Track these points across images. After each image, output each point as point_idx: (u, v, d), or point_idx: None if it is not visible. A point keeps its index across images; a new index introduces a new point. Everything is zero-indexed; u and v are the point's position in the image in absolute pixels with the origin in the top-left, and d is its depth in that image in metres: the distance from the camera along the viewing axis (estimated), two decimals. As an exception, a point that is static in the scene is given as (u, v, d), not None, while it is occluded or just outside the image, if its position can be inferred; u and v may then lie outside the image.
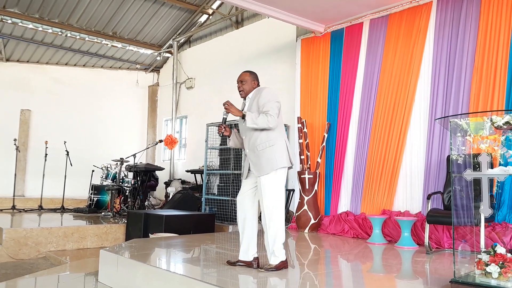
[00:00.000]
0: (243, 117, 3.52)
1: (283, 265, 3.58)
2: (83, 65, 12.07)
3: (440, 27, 5.81)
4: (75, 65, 11.97)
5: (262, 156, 3.54)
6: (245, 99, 3.79)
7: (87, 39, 10.76)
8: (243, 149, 3.88)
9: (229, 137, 3.83)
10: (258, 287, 3.30)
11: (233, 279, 3.42)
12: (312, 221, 6.47)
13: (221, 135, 3.75)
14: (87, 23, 10.44)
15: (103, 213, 8.32)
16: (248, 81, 3.74)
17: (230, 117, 3.89)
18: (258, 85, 3.80)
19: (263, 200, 3.54)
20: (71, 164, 9.21)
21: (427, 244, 4.85)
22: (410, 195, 5.85)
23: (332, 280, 3.59)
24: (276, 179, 3.55)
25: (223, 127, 3.71)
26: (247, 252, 3.75)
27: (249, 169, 3.72)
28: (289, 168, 3.68)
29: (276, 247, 3.54)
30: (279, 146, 3.57)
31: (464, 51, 5.49)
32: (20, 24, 9.82)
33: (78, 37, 10.64)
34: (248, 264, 3.73)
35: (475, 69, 5.34)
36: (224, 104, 3.61)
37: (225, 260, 3.99)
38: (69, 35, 10.46)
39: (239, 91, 3.78)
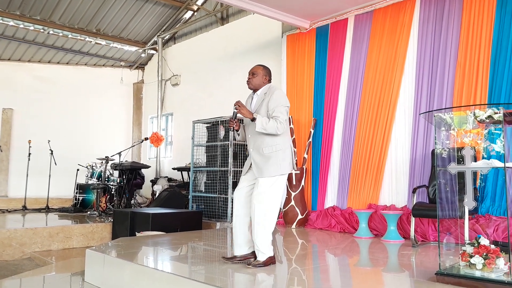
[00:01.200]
0: (253, 119, 3.52)
1: (270, 261, 3.60)
2: (67, 63, 11.90)
3: (423, 23, 5.87)
4: (58, 62, 11.79)
5: (267, 159, 3.54)
6: (253, 92, 3.77)
7: (70, 36, 10.60)
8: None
9: (237, 131, 3.78)
10: (246, 283, 3.30)
11: (221, 276, 3.41)
12: (299, 217, 6.50)
13: (232, 129, 3.70)
14: (70, 20, 10.29)
15: (88, 212, 8.23)
16: (259, 75, 3.71)
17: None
18: (269, 81, 3.78)
19: (258, 198, 3.50)
20: (55, 163, 9.09)
21: (413, 237, 4.91)
22: (395, 189, 5.91)
23: (320, 274, 3.61)
24: (277, 183, 3.56)
25: (234, 122, 3.65)
26: (241, 246, 3.70)
27: (249, 166, 3.70)
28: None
29: (264, 245, 3.55)
30: (285, 151, 3.58)
31: (448, 46, 5.55)
32: (0, 21, 9.63)
33: (61, 34, 10.48)
34: (245, 258, 3.69)
35: (458, 65, 5.40)
36: (235, 105, 3.57)
37: (212, 257, 3.98)
38: (51, 32, 10.30)
39: (247, 82, 3.75)
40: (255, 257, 3.66)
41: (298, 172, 6.66)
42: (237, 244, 3.71)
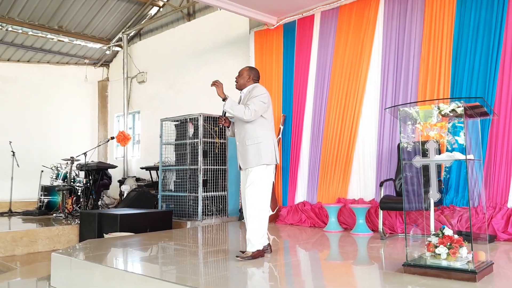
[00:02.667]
0: (224, 99, 3.77)
1: (259, 254, 3.76)
2: (27, 61, 11.48)
3: (388, 19, 5.98)
4: (18, 60, 11.34)
5: (249, 150, 3.79)
6: (240, 92, 4.04)
7: (30, 33, 10.23)
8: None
9: (228, 127, 4.06)
10: (219, 281, 3.28)
11: (192, 275, 3.38)
12: (270, 213, 6.51)
13: (221, 126, 3.98)
14: (30, 16, 9.92)
15: (54, 215, 7.99)
16: (244, 76, 3.99)
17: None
18: (255, 81, 4.02)
19: (247, 191, 3.75)
20: (18, 165, 8.79)
21: (381, 230, 5.02)
22: (363, 183, 6.02)
23: (291, 269, 3.64)
24: (263, 173, 3.77)
25: (223, 119, 3.94)
26: None
27: None
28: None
29: (254, 236, 3.72)
30: (266, 143, 3.81)
31: (411, 42, 5.69)
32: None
33: (20, 31, 10.09)
34: (264, 249, 3.88)
35: (422, 59, 5.54)
36: (214, 81, 3.84)
37: (183, 257, 3.95)
38: (10, 29, 9.90)
39: (235, 82, 4.05)
40: (270, 249, 3.98)
41: (268, 168, 6.67)
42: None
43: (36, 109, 11.22)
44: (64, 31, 10.61)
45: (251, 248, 3.74)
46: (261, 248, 3.79)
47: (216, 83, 3.85)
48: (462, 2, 5.29)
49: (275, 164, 3.91)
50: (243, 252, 3.84)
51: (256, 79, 4.04)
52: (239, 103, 3.93)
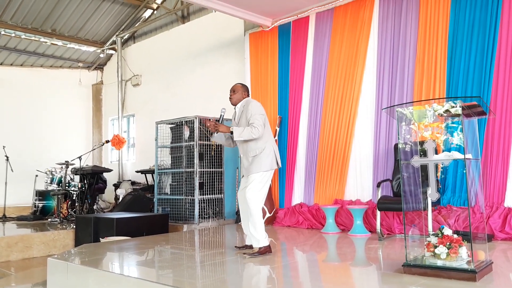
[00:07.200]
0: (231, 133, 4.02)
1: (265, 250, 4.00)
2: (21, 65, 11.40)
3: (383, 20, 5.99)
4: (11, 64, 11.26)
5: (252, 161, 4.09)
6: (234, 107, 4.31)
7: (23, 36, 10.15)
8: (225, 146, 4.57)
9: (216, 133, 4.25)
10: (215, 285, 3.25)
11: (190, 279, 3.35)
12: (268, 215, 6.49)
13: (216, 133, 4.19)
14: (23, 19, 9.86)
15: (49, 220, 7.92)
16: (239, 92, 4.28)
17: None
18: (248, 95, 4.33)
19: (247, 194, 3.98)
20: (12, 169, 8.70)
21: (379, 230, 5.00)
22: (360, 184, 6.01)
23: (289, 271, 3.61)
24: (261, 176, 4.05)
25: (218, 125, 4.06)
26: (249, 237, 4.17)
27: None
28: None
29: (258, 232, 3.96)
30: (266, 152, 4.10)
31: (407, 43, 5.69)
32: None
33: (13, 35, 10.02)
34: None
35: (417, 60, 5.55)
36: (213, 127, 4.03)
37: (180, 260, 3.93)
38: (3, 32, 9.82)
39: (230, 98, 4.30)
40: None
41: (265, 170, 6.65)
42: (245, 234, 4.24)
43: (30, 113, 11.13)
44: (57, 34, 10.55)
45: (257, 244, 3.99)
46: (267, 243, 4.01)
47: (216, 127, 4.02)
48: (456, 2, 5.30)
49: (275, 168, 4.18)
50: (239, 247, 4.28)
51: (249, 94, 4.38)
52: (234, 118, 4.28)
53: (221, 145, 7.24)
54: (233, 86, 4.35)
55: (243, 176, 4.28)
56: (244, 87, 4.35)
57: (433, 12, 5.47)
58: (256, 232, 3.99)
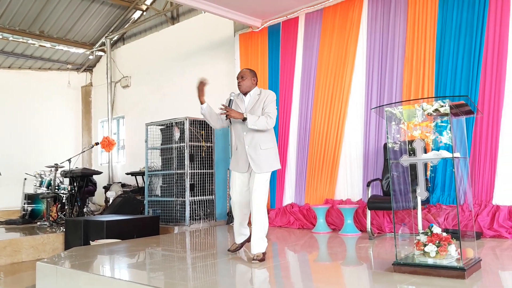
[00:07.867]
0: (244, 119, 3.72)
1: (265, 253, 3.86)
2: (8, 67, 11.28)
3: (372, 21, 6.02)
4: (-2, 67, 11.16)
5: (264, 155, 3.79)
6: (244, 95, 3.97)
7: (11, 39, 10.06)
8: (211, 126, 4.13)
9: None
10: (207, 286, 3.24)
11: (181, 281, 3.34)
12: (258, 216, 6.49)
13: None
14: (11, 21, 9.75)
15: (38, 223, 7.85)
16: (248, 78, 3.93)
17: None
18: (257, 81, 4.02)
19: (254, 194, 3.74)
20: (0, 173, 8.60)
21: (369, 230, 5.03)
22: (350, 183, 6.03)
23: (280, 272, 3.61)
24: (268, 177, 3.84)
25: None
26: (238, 236, 4.12)
27: (239, 163, 3.89)
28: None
29: (265, 231, 3.81)
30: (276, 150, 3.92)
31: (395, 43, 5.73)
32: None
33: (0, 36, 9.91)
34: (241, 246, 4.18)
35: (406, 60, 5.59)
36: (226, 112, 3.73)
37: (172, 262, 3.90)
38: (-10, 35, 9.74)
39: (238, 86, 3.96)
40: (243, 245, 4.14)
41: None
42: (237, 234, 4.11)
43: (18, 116, 11.02)
44: (46, 36, 10.46)
45: (263, 246, 3.79)
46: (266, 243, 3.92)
47: (227, 111, 3.74)
48: (444, 3, 5.35)
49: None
50: (232, 250, 4.16)
51: (257, 80, 4.07)
52: (241, 104, 3.94)
53: (211, 146, 7.23)
54: (241, 71, 4.00)
55: (236, 171, 3.92)
56: (252, 72, 4.02)
57: (421, 13, 5.52)
58: (262, 233, 3.78)
